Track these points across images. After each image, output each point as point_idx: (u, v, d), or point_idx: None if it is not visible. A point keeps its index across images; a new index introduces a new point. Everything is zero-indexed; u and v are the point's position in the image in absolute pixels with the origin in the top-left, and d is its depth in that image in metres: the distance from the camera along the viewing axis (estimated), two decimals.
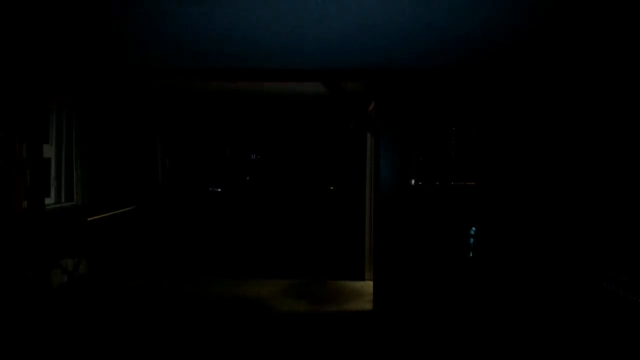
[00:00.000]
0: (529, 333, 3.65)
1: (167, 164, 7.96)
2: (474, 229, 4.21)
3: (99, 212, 5.47)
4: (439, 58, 3.87)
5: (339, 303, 5.21)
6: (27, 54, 3.47)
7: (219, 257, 7.30)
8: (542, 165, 3.87)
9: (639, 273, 2.81)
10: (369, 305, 5.10)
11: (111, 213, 5.81)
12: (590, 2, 2.62)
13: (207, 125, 8.22)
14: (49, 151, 4.78)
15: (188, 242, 7.64)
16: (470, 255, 4.19)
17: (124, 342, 4.03)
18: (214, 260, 7.16)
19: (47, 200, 4.61)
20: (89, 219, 5.20)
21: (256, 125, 8.21)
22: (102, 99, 5.64)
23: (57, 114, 4.86)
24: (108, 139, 5.88)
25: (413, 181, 4.32)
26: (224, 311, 4.90)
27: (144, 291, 5.60)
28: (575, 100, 3.59)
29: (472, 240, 4.23)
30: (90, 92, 5.28)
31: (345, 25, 2.99)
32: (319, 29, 3.09)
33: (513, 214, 4.02)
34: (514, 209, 4.02)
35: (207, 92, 6.00)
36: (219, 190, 8.34)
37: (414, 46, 3.49)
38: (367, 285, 5.77)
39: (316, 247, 7.58)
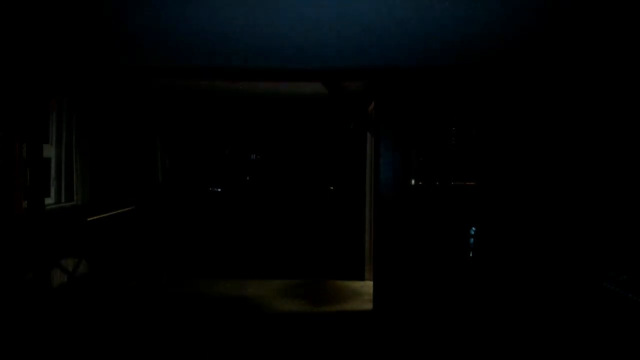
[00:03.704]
0: (530, 333, 3.65)
1: (167, 164, 7.96)
2: (474, 229, 4.21)
3: (99, 212, 5.46)
4: (439, 58, 3.86)
5: (338, 303, 5.21)
6: (27, 54, 3.46)
7: (219, 257, 7.30)
8: (543, 166, 3.87)
9: (639, 273, 2.81)
10: (369, 305, 5.10)
11: (111, 213, 5.81)
12: (586, 3, 2.63)
13: (207, 125, 8.21)
14: (49, 151, 4.77)
15: (188, 242, 7.63)
16: (470, 255, 4.19)
17: (124, 342, 4.04)
18: (214, 260, 7.15)
19: (47, 200, 4.61)
20: (89, 219, 5.20)
21: (256, 125, 8.20)
22: (102, 99, 5.63)
23: (57, 114, 4.85)
24: (108, 138, 5.88)
25: (413, 181, 4.32)
26: (223, 311, 4.90)
27: (144, 291, 5.61)
28: (575, 102, 3.59)
29: (472, 240, 4.23)
30: (90, 92, 5.28)
31: (346, 25, 2.99)
32: (318, 28, 3.09)
33: (513, 214, 4.01)
34: (514, 209, 4.02)
35: (206, 92, 6.00)
36: (219, 190, 8.33)
37: (414, 46, 3.49)
38: (367, 285, 5.77)
39: (316, 247, 7.57)
